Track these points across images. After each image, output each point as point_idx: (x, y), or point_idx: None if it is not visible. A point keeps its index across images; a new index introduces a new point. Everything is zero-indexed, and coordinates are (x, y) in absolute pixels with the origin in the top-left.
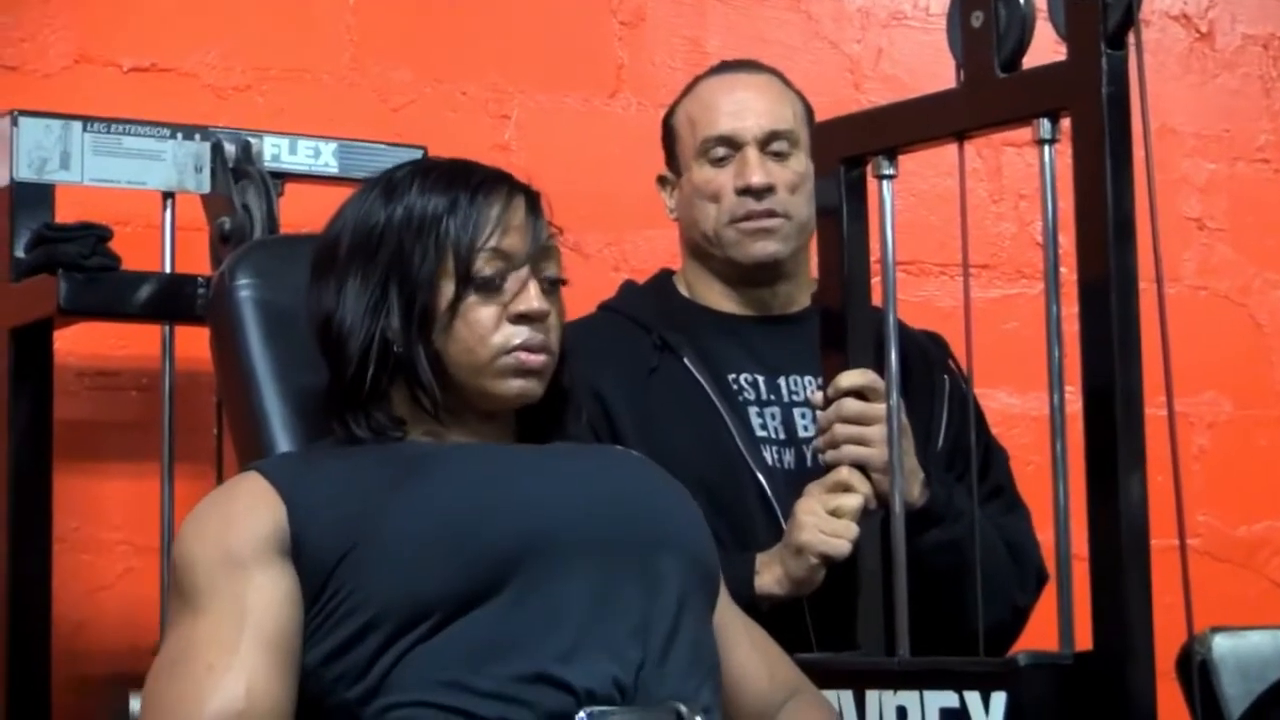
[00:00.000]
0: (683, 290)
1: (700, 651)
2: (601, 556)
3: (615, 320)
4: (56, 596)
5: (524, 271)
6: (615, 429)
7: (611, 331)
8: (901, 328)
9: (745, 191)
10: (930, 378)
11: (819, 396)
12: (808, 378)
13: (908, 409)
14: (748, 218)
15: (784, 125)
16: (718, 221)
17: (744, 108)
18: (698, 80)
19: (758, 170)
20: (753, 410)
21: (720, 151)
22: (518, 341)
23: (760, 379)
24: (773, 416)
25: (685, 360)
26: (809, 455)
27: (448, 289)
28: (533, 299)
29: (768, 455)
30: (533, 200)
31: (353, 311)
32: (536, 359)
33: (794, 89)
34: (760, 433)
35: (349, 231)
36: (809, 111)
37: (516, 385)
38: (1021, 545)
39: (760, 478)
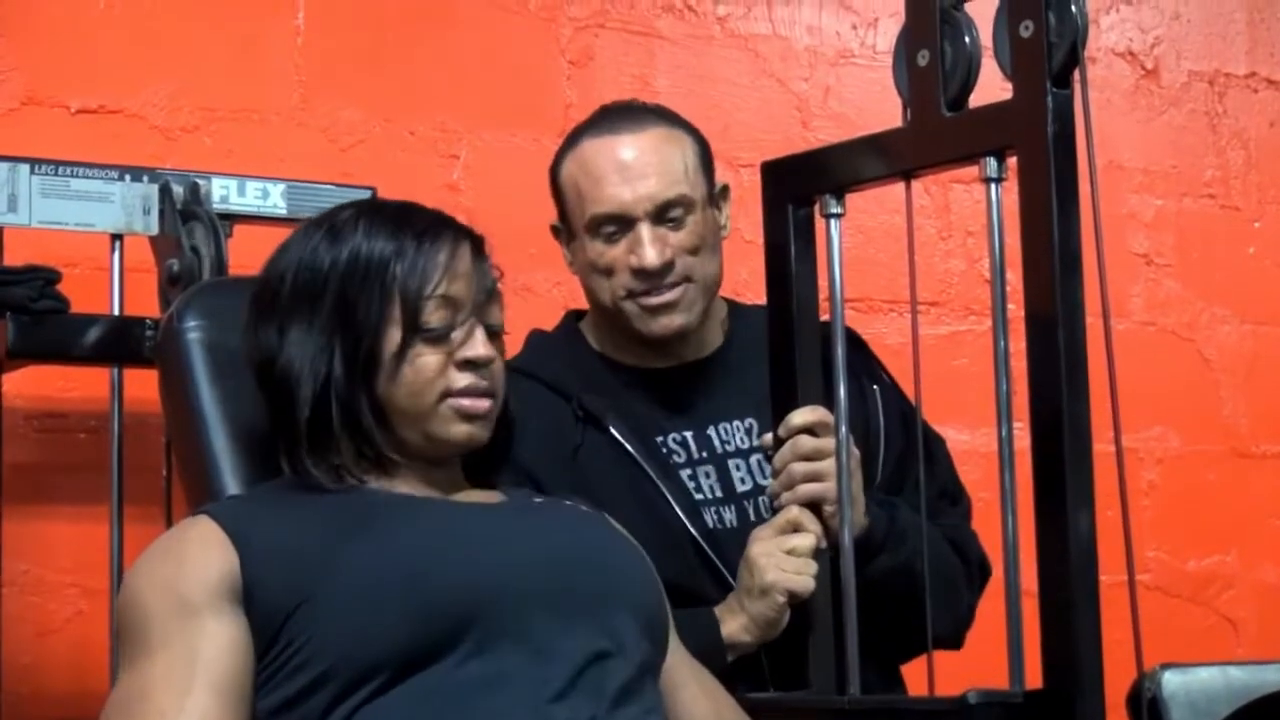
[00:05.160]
0: (593, 342)
1: (650, 707)
2: (552, 614)
3: (533, 389)
4: (5, 639)
5: (471, 320)
6: None
7: (533, 403)
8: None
9: (640, 273)
10: (860, 390)
11: (769, 438)
12: (735, 422)
13: None
14: (646, 294)
15: (676, 191)
16: (614, 295)
17: (632, 176)
18: (580, 134)
19: (650, 250)
20: (685, 473)
21: (611, 229)
22: (462, 385)
23: (689, 435)
24: (707, 475)
25: (611, 429)
26: (751, 509)
27: (394, 336)
28: (479, 346)
29: (708, 518)
30: (477, 244)
31: (299, 358)
32: (482, 404)
33: (683, 128)
34: (697, 495)
35: (292, 273)
36: (703, 150)
37: (464, 430)
38: (964, 541)
39: (703, 544)
